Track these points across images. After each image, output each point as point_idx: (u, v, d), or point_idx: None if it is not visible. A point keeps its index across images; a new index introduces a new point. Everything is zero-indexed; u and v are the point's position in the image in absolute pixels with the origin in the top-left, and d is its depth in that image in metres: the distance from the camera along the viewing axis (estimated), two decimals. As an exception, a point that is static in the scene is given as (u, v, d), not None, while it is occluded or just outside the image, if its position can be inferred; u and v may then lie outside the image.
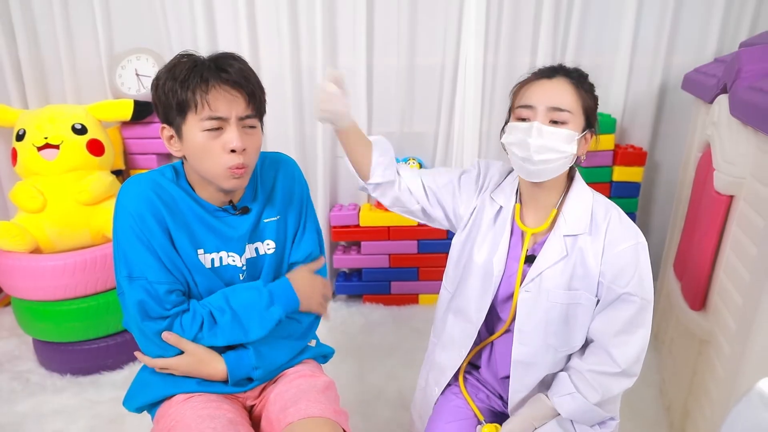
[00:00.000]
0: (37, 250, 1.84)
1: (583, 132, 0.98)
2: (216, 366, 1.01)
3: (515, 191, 1.08)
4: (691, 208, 1.65)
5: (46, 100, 2.19)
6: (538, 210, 1.05)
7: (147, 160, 2.19)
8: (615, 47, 2.11)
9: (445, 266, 1.18)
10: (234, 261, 1.05)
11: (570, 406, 1.00)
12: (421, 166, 2.25)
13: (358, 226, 2.26)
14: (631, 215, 2.22)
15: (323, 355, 1.21)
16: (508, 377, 1.07)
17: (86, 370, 1.87)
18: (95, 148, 1.91)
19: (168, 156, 2.28)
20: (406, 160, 2.26)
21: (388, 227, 2.25)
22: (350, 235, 2.28)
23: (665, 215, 2.19)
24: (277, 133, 2.21)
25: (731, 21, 2.03)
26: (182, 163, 1.03)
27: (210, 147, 0.94)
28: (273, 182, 1.11)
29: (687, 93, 1.89)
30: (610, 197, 2.17)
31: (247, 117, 0.95)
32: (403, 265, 2.31)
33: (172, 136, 0.98)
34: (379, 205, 2.28)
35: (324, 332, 1.74)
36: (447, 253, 1.17)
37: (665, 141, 2.22)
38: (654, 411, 1.67)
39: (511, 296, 1.05)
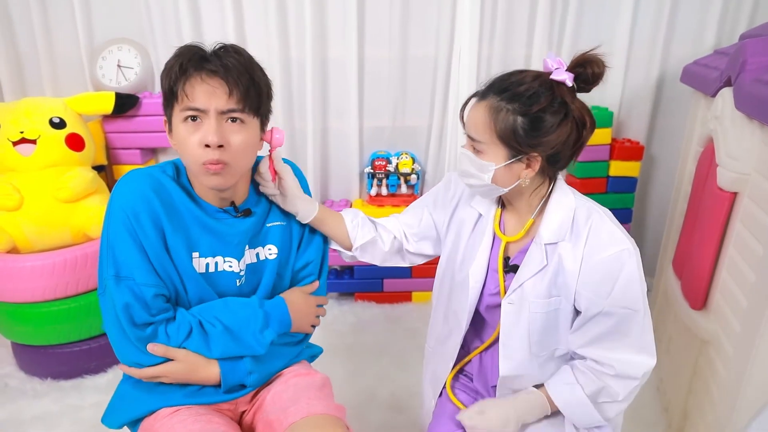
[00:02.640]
0: (14, 250, 1.77)
1: (510, 160, 0.91)
2: (211, 370, 0.96)
3: (497, 198, 1.04)
4: (691, 205, 1.61)
5: (23, 92, 2.10)
6: (517, 218, 1.01)
7: (130, 155, 2.11)
8: (612, 38, 2.06)
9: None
10: (231, 266, 1.00)
11: (567, 396, 0.96)
12: (414, 160, 2.20)
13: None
14: (628, 211, 2.18)
15: (311, 354, 1.17)
16: (497, 384, 1.04)
17: (68, 374, 1.80)
18: (75, 142, 1.84)
19: (152, 151, 2.21)
20: (398, 155, 2.20)
21: (381, 223, 2.20)
22: (341, 232, 2.22)
23: (662, 211, 2.15)
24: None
25: (730, 12, 1.99)
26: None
27: (188, 140, 0.90)
28: None
29: (685, 86, 1.84)
30: (606, 192, 2.15)
31: (231, 111, 0.89)
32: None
33: (168, 128, 0.95)
34: (371, 200, 2.22)
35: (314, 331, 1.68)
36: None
37: (662, 135, 2.18)
38: (652, 411, 1.64)
39: (497, 306, 1.02)
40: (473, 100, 0.95)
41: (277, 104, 2.11)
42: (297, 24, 2.04)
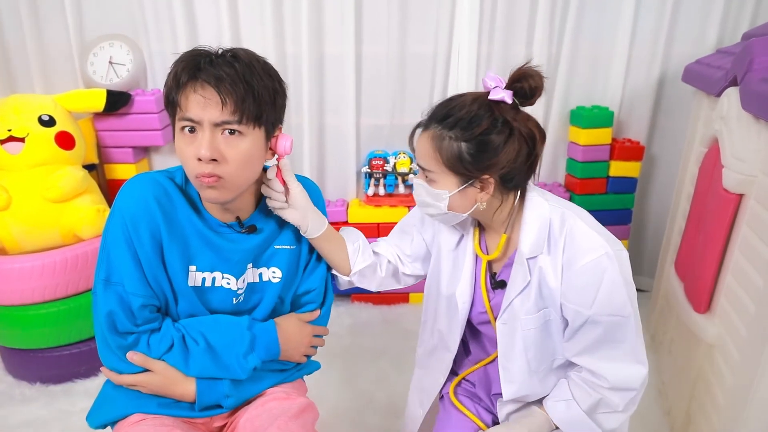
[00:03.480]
0: (2, 251, 1.73)
1: (461, 186, 0.89)
2: (187, 386, 0.93)
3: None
4: (694, 206, 1.59)
5: (12, 89, 2.05)
6: (494, 234, 0.99)
7: (122, 153, 2.06)
8: (613, 37, 2.03)
9: None
10: (229, 283, 0.96)
11: (563, 414, 0.95)
12: (412, 160, 2.16)
13: (346, 222, 2.17)
14: (628, 211, 2.16)
15: (307, 372, 1.13)
16: (499, 393, 1.02)
17: (57, 378, 1.76)
18: (64, 141, 1.79)
19: (145, 150, 2.16)
20: (396, 154, 2.17)
21: (378, 224, 2.16)
22: (338, 232, 2.19)
23: (663, 211, 2.13)
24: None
25: (732, 11, 1.96)
26: None
27: (184, 152, 0.86)
28: None
29: (687, 85, 1.82)
30: (606, 193, 2.13)
31: (225, 123, 0.84)
32: (394, 262, 2.23)
33: (173, 135, 0.91)
34: (369, 200, 2.19)
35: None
36: None
37: (663, 135, 2.16)
38: (653, 414, 1.61)
39: (488, 321, 1.01)
40: (418, 130, 0.93)
41: (272, 102, 2.07)
42: (293, 19, 2.00)
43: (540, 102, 1.07)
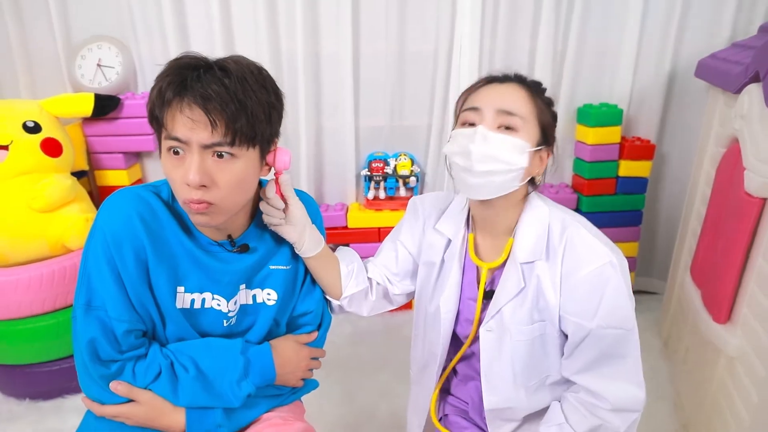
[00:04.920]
0: (-14, 264, 1.66)
1: (537, 147, 0.84)
2: (176, 417, 0.87)
3: (465, 220, 0.95)
4: (711, 210, 1.50)
5: (-2, 93, 1.98)
6: (494, 238, 0.91)
7: (113, 159, 1.99)
8: (621, 30, 1.94)
9: None
10: (219, 305, 0.90)
11: None
12: (413, 162, 2.09)
13: (346, 227, 2.10)
14: (638, 213, 2.08)
15: (305, 392, 1.06)
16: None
17: (47, 395, 1.70)
18: (51, 148, 1.72)
19: (136, 155, 2.09)
20: (396, 156, 2.09)
21: (378, 228, 2.09)
22: (338, 238, 2.11)
23: (675, 213, 2.05)
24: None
25: (746, 1, 1.88)
26: None
27: (172, 175, 0.79)
28: None
29: (700, 80, 1.74)
30: (615, 194, 2.04)
31: (216, 145, 0.76)
32: (395, 268, 2.16)
33: (159, 152, 0.83)
34: (369, 203, 2.11)
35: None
36: None
37: (675, 133, 2.07)
38: (669, 428, 1.54)
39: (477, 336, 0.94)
40: (487, 84, 0.87)
41: (267, 104, 2.00)
42: (287, 16, 1.92)
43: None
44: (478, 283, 0.92)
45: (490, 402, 0.92)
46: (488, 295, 0.90)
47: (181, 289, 0.87)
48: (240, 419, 0.92)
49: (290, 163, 0.90)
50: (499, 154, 0.80)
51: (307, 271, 0.99)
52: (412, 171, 2.08)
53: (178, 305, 0.88)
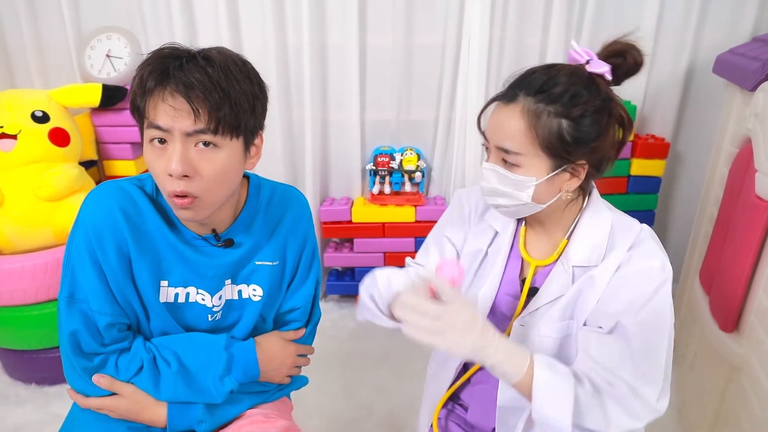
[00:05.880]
0: (-5, 251, 1.70)
1: (552, 172, 0.78)
2: (157, 411, 0.88)
3: None
4: (722, 213, 1.44)
5: (11, 83, 2.02)
6: (546, 236, 0.88)
7: (120, 149, 2.01)
8: (637, 23, 1.87)
9: None
10: (204, 300, 0.90)
11: (545, 376, 0.73)
12: (419, 157, 2.06)
13: (350, 222, 2.09)
14: (650, 213, 2.02)
15: (294, 388, 1.06)
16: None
17: (52, 380, 1.74)
18: (59, 137, 1.74)
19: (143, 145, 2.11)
20: (402, 151, 2.06)
21: (383, 223, 2.07)
22: (342, 232, 2.10)
23: (689, 214, 1.98)
24: (262, 121, 2.02)
25: (771, -6, 1.79)
26: None
27: (154, 166, 0.78)
28: (278, 221, 0.95)
29: (718, 77, 1.66)
30: (627, 193, 1.98)
31: (200, 132, 0.75)
32: (399, 263, 2.11)
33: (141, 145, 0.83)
34: (374, 198, 2.09)
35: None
36: None
37: (690, 131, 2.00)
38: (672, 435, 1.50)
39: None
40: (494, 104, 0.81)
41: (273, 94, 1.97)
42: (294, 8, 1.90)
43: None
44: (520, 278, 0.90)
45: (503, 398, 0.89)
46: (531, 293, 0.88)
47: (164, 283, 0.88)
48: (222, 415, 0.92)
49: (464, 277, 0.82)
50: (503, 190, 0.80)
51: (294, 268, 0.98)
52: (418, 166, 2.05)
53: (162, 299, 0.88)
